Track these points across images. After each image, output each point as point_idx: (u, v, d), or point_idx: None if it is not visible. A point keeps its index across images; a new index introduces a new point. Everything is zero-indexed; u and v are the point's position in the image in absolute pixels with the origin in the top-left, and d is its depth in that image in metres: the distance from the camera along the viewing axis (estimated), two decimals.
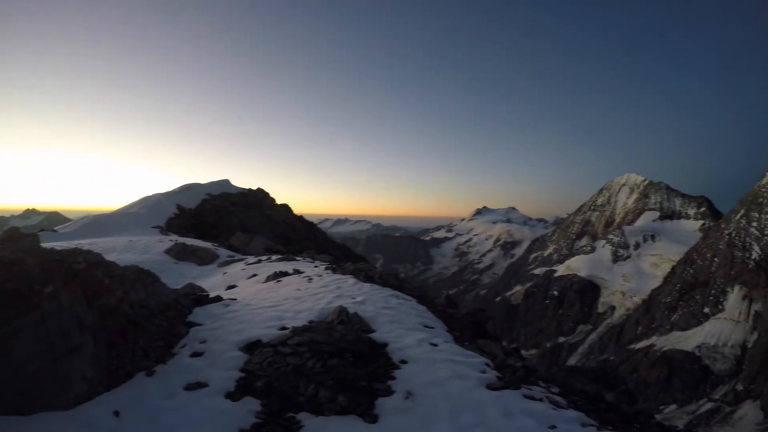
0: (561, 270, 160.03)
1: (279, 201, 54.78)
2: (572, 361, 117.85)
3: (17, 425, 5.04)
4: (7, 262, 5.60)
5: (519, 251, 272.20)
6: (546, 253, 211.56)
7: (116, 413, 5.78)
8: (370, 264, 25.43)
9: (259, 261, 22.23)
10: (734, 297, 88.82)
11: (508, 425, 6.37)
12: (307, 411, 6.65)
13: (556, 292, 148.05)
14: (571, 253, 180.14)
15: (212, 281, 19.06)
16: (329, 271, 17.16)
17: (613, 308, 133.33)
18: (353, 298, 12.22)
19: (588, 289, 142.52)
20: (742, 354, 78.73)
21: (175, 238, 29.40)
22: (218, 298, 11.96)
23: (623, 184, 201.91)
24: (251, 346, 8.37)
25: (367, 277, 15.97)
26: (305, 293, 12.74)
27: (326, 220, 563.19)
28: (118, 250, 23.65)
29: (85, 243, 24.56)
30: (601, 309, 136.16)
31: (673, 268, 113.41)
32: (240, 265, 21.70)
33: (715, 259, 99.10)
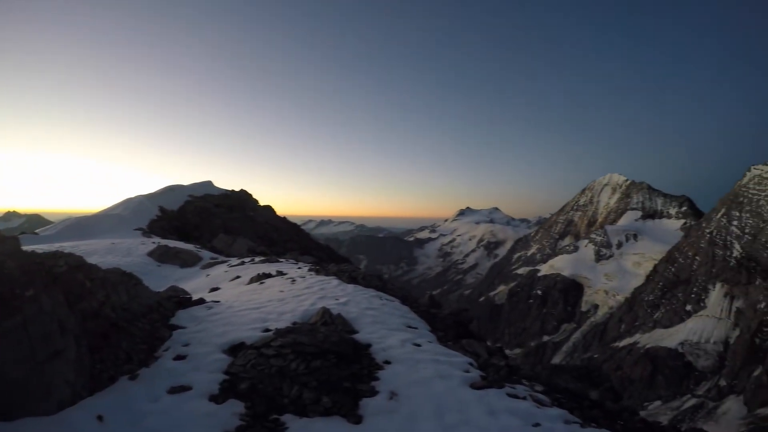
0: (544, 269, 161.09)
1: (262, 202, 54.58)
2: (557, 359, 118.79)
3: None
4: None
5: (502, 251, 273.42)
6: (529, 252, 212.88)
7: (100, 418, 5.75)
8: (354, 265, 25.45)
9: (243, 263, 22.13)
10: (716, 294, 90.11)
11: (492, 424, 6.43)
12: (292, 413, 6.67)
13: (539, 292, 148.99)
14: (555, 253, 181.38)
15: (195, 283, 18.94)
16: (313, 273, 17.18)
17: (596, 307, 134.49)
18: (337, 300, 12.26)
19: (571, 288, 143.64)
20: (725, 350, 79.92)
21: (157, 240, 29.15)
22: (201, 301, 11.92)
23: (605, 184, 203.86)
24: (235, 349, 8.37)
25: (351, 278, 16.01)
26: (288, 295, 12.75)
27: (310, 221, 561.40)
28: (100, 252, 23.41)
29: (66, 246, 24.28)
30: (584, 308, 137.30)
31: (656, 266, 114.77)
32: (223, 267, 21.59)
33: (697, 257, 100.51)
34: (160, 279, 20.00)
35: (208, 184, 52.31)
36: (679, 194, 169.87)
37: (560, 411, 7.25)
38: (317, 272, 17.28)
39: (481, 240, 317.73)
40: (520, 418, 6.62)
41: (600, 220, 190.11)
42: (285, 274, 16.99)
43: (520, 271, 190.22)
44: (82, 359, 6.61)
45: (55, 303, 6.32)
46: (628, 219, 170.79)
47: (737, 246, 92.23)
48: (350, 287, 14.18)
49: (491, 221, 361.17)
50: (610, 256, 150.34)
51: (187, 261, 24.17)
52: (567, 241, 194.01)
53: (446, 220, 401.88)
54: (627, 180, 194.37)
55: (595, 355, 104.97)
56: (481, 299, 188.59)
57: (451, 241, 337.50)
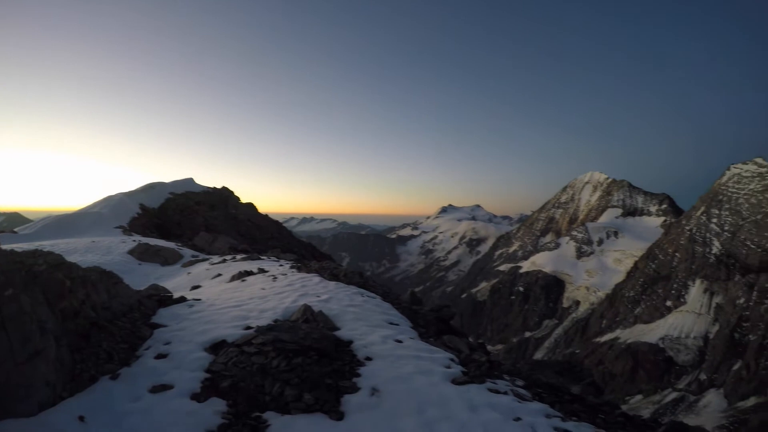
0: (526, 266, 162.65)
1: (244, 200, 54.33)
2: (539, 355, 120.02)
3: None
4: None
5: (484, 248, 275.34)
6: (511, 249, 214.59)
7: (81, 418, 5.73)
8: (336, 262, 25.48)
9: (224, 260, 22.06)
10: (696, 290, 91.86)
11: (474, 419, 6.50)
12: (274, 410, 6.69)
13: (521, 288, 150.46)
14: (536, 250, 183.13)
15: (176, 282, 18.86)
16: (294, 270, 17.20)
17: (577, 303, 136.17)
18: (318, 297, 12.30)
19: (553, 285, 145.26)
20: (705, 345, 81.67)
21: (138, 239, 28.93)
22: (182, 299, 11.87)
23: (586, 182, 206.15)
24: (216, 347, 8.36)
25: (332, 276, 16.06)
26: (270, 292, 12.76)
27: (292, 218, 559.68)
28: (80, 251, 23.18)
29: (46, 244, 24.03)
30: (566, 304, 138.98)
31: (636, 263, 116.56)
32: (204, 265, 21.51)
33: (677, 254, 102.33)
34: (140, 277, 19.87)
35: (190, 181, 51.90)
36: (659, 192, 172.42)
37: (541, 405, 7.33)
38: (299, 269, 17.30)
39: (463, 237, 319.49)
40: (501, 413, 6.70)
41: (581, 217, 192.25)
42: (266, 271, 16.98)
43: (502, 267, 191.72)
44: (63, 359, 6.57)
45: (34, 302, 6.28)
46: (608, 216, 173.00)
47: (717, 243, 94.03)
48: (332, 284, 14.22)
49: (473, 218, 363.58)
50: (591, 253, 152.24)
51: (168, 259, 24.02)
52: (548, 238, 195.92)
53: (428, 218, 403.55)
54: (608, 178, 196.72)
55: (577, 351, 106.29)
56: (464, 296, 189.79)
57: (433, 239, 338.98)
